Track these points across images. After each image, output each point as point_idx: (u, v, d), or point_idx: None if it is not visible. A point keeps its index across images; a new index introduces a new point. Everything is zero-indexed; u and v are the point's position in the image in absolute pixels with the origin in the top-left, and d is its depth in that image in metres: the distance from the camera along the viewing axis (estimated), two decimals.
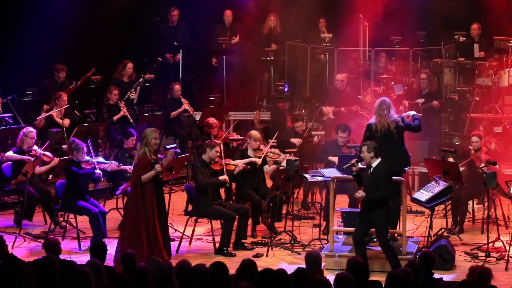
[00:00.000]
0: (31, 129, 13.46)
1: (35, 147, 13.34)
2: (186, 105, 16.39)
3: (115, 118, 15.75)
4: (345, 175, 12.24)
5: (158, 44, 18.37)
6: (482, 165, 12.80)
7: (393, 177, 11.19)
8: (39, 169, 13.16)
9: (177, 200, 13.88)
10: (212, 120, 15.09)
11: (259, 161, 12.93)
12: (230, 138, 15.28)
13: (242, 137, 15.16)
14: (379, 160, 10.83)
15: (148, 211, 11.35)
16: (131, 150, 13.49)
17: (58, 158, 13.24)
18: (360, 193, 10.84)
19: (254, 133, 13.22)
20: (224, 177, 12.32)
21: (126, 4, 18.20)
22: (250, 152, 13.05)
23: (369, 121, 11.94)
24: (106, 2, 18.09)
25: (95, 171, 12.46)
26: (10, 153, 13.24)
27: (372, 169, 10.81)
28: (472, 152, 13.20)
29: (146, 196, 11.39)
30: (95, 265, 8.04)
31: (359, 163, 10.95)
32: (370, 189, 10.79)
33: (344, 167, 11.36)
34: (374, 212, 10.76)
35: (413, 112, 12.12)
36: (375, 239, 11.60)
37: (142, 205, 11.35)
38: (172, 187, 13.65)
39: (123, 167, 13.12)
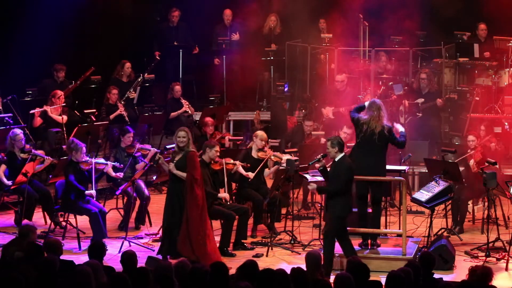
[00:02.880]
0: (17, 131, 13.37)
1: (28, 146, 13.34)
2: (186, 106, 16.40)
3: (111, 116, 15.77)
4: None
5: (154, 43, 18.35)
6: (472, 162, 12.83)
7: (388, 177, 11.40)
8: (35, 169, 13.14)
9: None
10: (208, 119, 15.08)
11: (251, 175, 12.87)
12: (229, 138, 15.28)
13: (240, 137, 15.17)
14: (342, 154, 10.94)
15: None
16: (129, 148, 13.48)
17: (50, 158, 13.21)
18: (311, 185, 11.11)
19: (261, 132, 13.26)
20: (224, 195, 12.32)
21: (126, 4, 18.20)
22: (253, 152, 13.04)
23: (362, 116, 11.69)
24: (105, 2, 18.09)
25: (86, 192, 12.36)
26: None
27: (335, 163, 10.93)
28: (468, 151, 13.21)
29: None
30: (94, 265, 8.03)
31: (324, 158, 11.18)
32: (331, 182, 10.94)
33: (310, 163, 11.48)
34: (330, 204, 10.93)
35: (402, 129, 11.82)
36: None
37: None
38: None
39: (118, 174, 13.10)
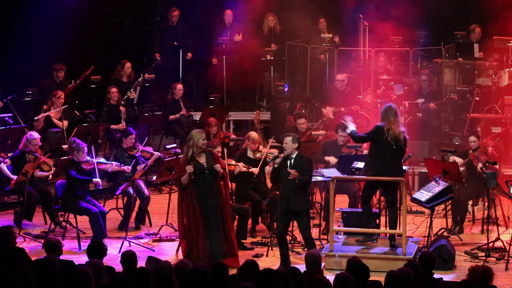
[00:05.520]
0: (35, 135, 13.36)
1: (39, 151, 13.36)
2: (184, 111, 16.45)
3: (113, 126, 15.69)
4: (345, 175, 12.27)
5: (154, 44, 18.34)
6: (480, 165, 12.79)
7: (387, 177, 11.41)
8: (36, 173, 13.14)
9: (177, 200, 13.84)
10: (211, 119, 15.08)
11: (255, 170, 12.86)
12: (229, 138, 15.28)
13: (240, 137, 15.15)
14: (297, 152, 11.21)
15: (189, 213, 11.33)
16: (130, 149, 13.48)
17: (54, 169, 13.22)
18: (293, 174, 11.09)
19: (253, 134, 13.23)
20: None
21: (126, 4, 18.20)
22: (249, 153, 13.05)
23: (379, 124, 11.58)
24: (105, 2, 18.09)
25: (93, 179, 12.42)
26: (3, 167, 13.24)
27: (292, 160, 11.16)
28: (470, 152, 13.20)
29: (186, 199, 11.35)
30: (96, 265, 8.03)
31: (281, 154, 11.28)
32: (293, 179, 11.08)
33: (270, 160, 11.59)
34: (298, 204, 11.14)
35: (352, 129, 11.70)
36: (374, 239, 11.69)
37: (182, 207, 11.38)
38: (172, 187, 13.68)
39: (123, 167, 13.10)
